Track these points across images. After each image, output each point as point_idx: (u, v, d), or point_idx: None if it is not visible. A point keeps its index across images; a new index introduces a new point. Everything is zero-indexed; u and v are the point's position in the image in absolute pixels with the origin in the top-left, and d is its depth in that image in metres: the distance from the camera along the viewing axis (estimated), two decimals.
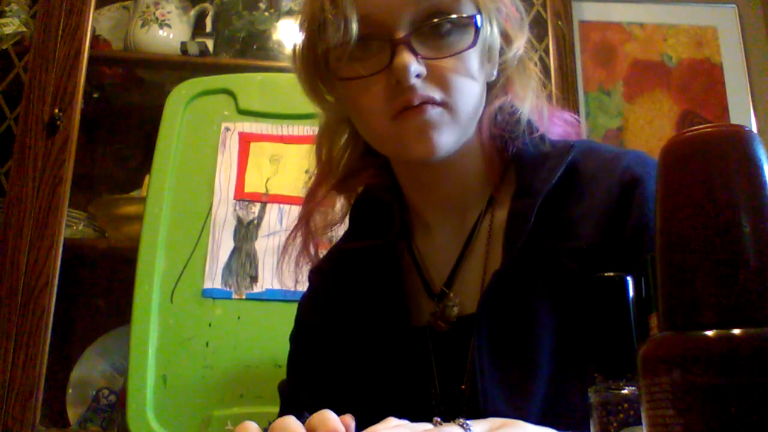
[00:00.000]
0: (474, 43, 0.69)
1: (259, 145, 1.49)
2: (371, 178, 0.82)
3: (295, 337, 0.89)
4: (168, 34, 1.83)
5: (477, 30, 0.69)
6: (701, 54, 2.11)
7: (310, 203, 0.83)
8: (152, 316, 1.33)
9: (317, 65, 0.73)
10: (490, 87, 0.76)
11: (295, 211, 1.44)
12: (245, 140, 1.49)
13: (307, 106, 1.53)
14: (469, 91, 0.70)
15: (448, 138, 0.69)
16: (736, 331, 0.28)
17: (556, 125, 0.81)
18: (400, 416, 0.54)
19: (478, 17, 0.69)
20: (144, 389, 1.29)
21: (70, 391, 1.65)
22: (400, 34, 0.67)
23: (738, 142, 0.30)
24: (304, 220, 0.84)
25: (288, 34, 1.90)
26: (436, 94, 0.68)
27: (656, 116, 2.04)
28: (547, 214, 0.71)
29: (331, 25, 0.67)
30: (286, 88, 1.57)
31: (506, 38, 0.75)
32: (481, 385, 0.67)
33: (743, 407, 0.27)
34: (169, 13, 1.84)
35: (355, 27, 0.66)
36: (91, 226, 1.75)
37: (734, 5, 2.14)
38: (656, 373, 0.29)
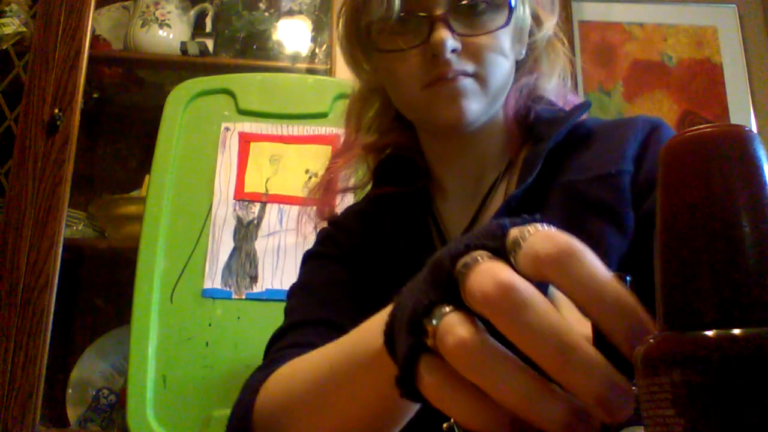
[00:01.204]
0: (507, 23, 0.74)
1: (259, 145, 1.49)
2: (398, 141, 0.86)
3: (303, 270, 0.87)
4: (168, 34, 1.83)
5: (510, 10, 0.74)
6: (701, 54, 2.11)
7: (337, 161, 0.89)
8: (152, 316, 1.33)
9: (359, 36, 0.79)
10: (519, 65, 0.81)
11: (295, 211, 1.45)
12: (245, 140, 1.49)
13: (307, 106, 1.54)
14: (500, 67, 0.74)
15: (477, 106, 0.73)
16: (736, 331, 0.28)
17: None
18: None
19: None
20: (144, 389, 1.29)
21: (70, 391, 1.65)
22: (439, 11, 0.72)
23: (738, 142, 0.30)
24: (328, 176, 0.89)
25: (288, 34, 1.90)
26: (469, 68, 0.72)
27: (656, 116, 2.04)
28: (561, 160, 0.74)
29: (371, 4, 0.73)
30: (286, 88, 1.57)
31: (536, 20, 0.80)
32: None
33: (743, 407, 0.27)
34: (169, 13, 1.84)
35: (398, 3, 0.72)
36: (91, 226, 1.76)
37: (734, 5, 2.14)
38: (656, 373, 0.29)
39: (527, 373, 0.33)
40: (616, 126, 0.79)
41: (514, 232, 0.36)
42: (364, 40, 0.78)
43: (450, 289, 0.36)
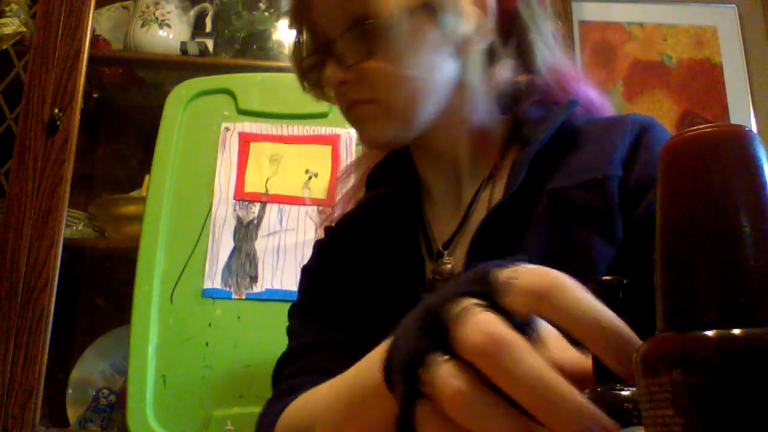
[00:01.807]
0: (384, 46, 0.71)
1: (259, 145, 1.49)
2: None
3: (302, 287, 0.89)
4: (168, 34, 1.83)
5: (386, 33, 0.70)
6: (701, 54, 2.11)
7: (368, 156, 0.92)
8: (152, 316, 1.33)
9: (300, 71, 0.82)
10: (494, 50, 0.76)
11: (295, 211, 1.45)
12: (245, 140, 1.49)
13: (307, 106, 1.54)
14: (400, 86, 0.72)
15: (383, 130, 0.74)
16: (736, 331, 0.28)
17: (582, 90, 0.82)
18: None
19: (389, 19, 0.70)
20: (144, 389, 1.29)
21: (70, 391, 1.65)
22: (330, 44, 0.74)
23: (738, 142, 0.30)
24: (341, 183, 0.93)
25: (288, 34, 1.90)
26: (363, 94, 0.73)
27: (656, 116, 2.02)
28: (548, 164, 0.73)
29: (295, 45, 0.80)
30: (286, 88, 1.57)
31: (457, 12, 0.73)
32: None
33: (743, 407, 0.27)
34: (169, 13, 1.84)
35: (305, 47, 0.78)
36: (91, 226, 1.76)
37: (734, 5, 2.14)
38: (656, 373, 0.29)
39: (518, 418, 0.36)
40: (605, 126, 0.76)
41: (502, 274, 0.39)
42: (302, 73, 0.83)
43: (442, 338, 0.39)
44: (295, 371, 0.77)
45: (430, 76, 0.73)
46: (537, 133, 0.73)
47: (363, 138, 0.77)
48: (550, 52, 0.79)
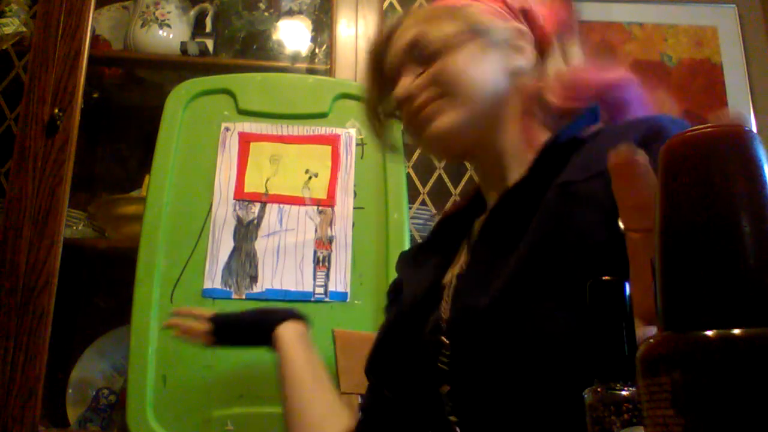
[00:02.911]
0: (448, 50, 0.83)
1: (258, 145, 1.49)
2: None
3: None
4: (168, 34, 1.83)
5: (446, 43, 0.84)
6: (701, 54, 2.11)
7: None
8: (152, 316, 1.33)
9: (374, 114, 0.96)
10: (521, 74, 0.85)
11: (295, 211, 1.45)
12: (245, 140, 1.49)
13: (307, 106, 1.54)
14: (463, 77, 0.82)
15: (449, 117, 0.81)
16: (736, 331, 0.28)
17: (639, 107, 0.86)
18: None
19: (447, 37, 0.84)
20: (144, 389, 1.29)
21: (70, 391, 1.65)
22: (397, 72, 0.86)
23: (738, 142, 0.30)
24: None
25: (288, 34, 1.90)
26: (432, 93, 0.82)
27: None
28: (566, 160, 0.76)
29: (372, 86, 0.94)
30: (286, 88, 1.57)
31: (526, 15, 0.87)
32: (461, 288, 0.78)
33: (743, 407, 0.27)
34: (168, 13, 1.84)
35: (384, 86, 0.90)
36: (91, 226, 1.76)
37: (734, 5, 2.14)
38: (656, 373, 0.29)
39: None
40: (624, 125, 0.79)
41: None
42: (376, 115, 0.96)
43: None
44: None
45: (491, 68, 0.84)
46: (563, 136, 0.79)
47: (432, 133, 0.82)
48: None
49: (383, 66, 0.90)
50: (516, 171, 0.83)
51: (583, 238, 0.69)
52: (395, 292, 0.95)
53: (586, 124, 0.80)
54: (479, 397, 0.71)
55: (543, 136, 0.82)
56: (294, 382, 0.99)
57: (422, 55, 0.85)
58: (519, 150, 0.84)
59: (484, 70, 0.84)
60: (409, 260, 0.94)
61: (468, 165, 0.93)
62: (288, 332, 1.04)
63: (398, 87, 0.85)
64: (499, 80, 0.84)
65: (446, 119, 0.82)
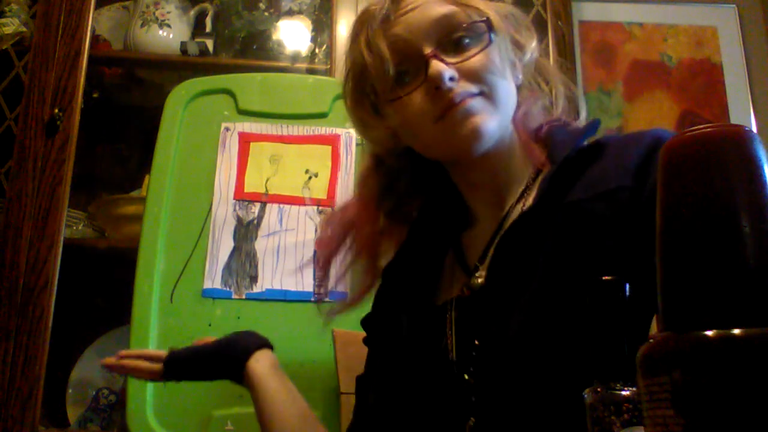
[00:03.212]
0: (490, 41, 0.79)
1: (258, 145, 1.49)
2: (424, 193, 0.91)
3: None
4: (168, 34, 1.83)
5: (490, 30, 0.79)
6: (701, 54, 2.11)
7: (357, 236, 0.91)
8: (152, 316, 1.33)
9: (366, 99, 0.84)
10: (519, 91, 0.84)
11: (295, 211, 1.45)
12: (245, 140, 1.49)
13: (307, 106, 1.54)
14: (500, 82, 0.79)
15: (490, 122, 0.77)
16: (736, 331, 0.28)
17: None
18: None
19: (487, 21, 0.79)
20: (144, 389, 1.28)
21: (70, 391, 1.65)
22: (428, 50, 0.77)
23: (738, 142, 0.30)
24: (356, 253, 0.91)
25: (288, 34, 1.90)
26: (473, 89, 0.77)
27: (656, 116, 2.04)
28: (573, 178, 0.77)
29: (372, 68, 0.79)
30: (286, 88, 1.57)
31: (517, 45, 0.84)
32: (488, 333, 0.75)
33: (743, 407, 0.27)
34: (168, 13, 1.84)
35: (391, 65, 0.78)
36: (91, 226, 1.76)
37: (734, 5, 2.14)
38: (656, 373, 0.29)
39: None
40: (627, 140, 0.80)
41: None
42: (372, 100, 0.84)
43: None
44: None
45: (511, 84, 0.82)
46: (563, 151, 0.78)
47: (469, 132, 0.76)
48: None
49: (386, 32, 0.80)
50: (515, 187, 0.83)
51: (593, 261, 0.70)
52: (373, 326, 0.92)
53: (588, 136, 0.81)
54: (508, 428, 0.71)
55: (539, 150, 0.82)
56: (281, 422, 0.94)
57: (453, 37, 0.78)
58: (519, 165, 0.83)
59: (509, 80, 0.81)
60: (393, 275, 0.89)
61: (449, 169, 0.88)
62: (261, 366, 0.96)
63: (434, 69, 0.75)
64: (514, 89, 0.82)
65: (488, 119, 0.77)
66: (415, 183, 0.90)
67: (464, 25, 0.79)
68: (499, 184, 0.84)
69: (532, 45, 0.85)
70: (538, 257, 0.73)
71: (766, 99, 2.08)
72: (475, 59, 0.77)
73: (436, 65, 0.76)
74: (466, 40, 0.78)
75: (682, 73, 2.09)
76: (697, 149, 0.31)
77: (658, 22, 2.14)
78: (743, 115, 2.03)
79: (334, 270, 0.92)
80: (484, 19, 0.79)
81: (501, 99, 0.78)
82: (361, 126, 0.88)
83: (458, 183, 0.87)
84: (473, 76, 0.77)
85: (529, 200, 0.81)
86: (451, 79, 0.76)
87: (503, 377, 0.71)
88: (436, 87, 0.76)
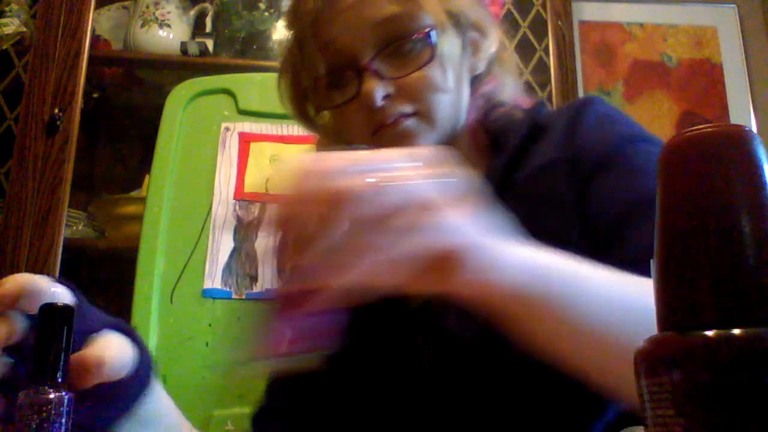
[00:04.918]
0: (431, 58, 0.74)
1: (259, 145, 1.49)
2: None
3: None
4: (168, 34, 1.83)
5: (432, 46, 0.74)
6: (701, 54, 2.11)
7: None
8: (152, 316, 1.33)
9: (304, 97, 0.82)
10: (478, 78, 0.82)
11: None
12: (245, 140, 1.49)
13: None
14: (439, 98, 0.75)
15: (423, 143, 0.73)
16: (736, 331, 0.28)
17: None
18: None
19: (433, 33, 0.74)
20: None
21: None
22: (365, 60, 0.73)
23: (738, 142, 0.30)
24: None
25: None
26: (407, 108, 0.73)
27: (656, 116, 2.04)
28: (518, 160, 0.76)
29: (303, 67, 0.77)
30: None
31: (481, 31, 0.81)
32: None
33: (743, 407, 0.27)
34: (168, 13, 1.84)
35: (322, 65, 0.74)
36: (91, 226, 1.75)
37: (734, 5, 2.14)
38: (656, 373, 0.29)
39: None
40: (558, 114, 0.80)
41: None
42: (309, 98, 0.81)
43: None
44: None
45: (460, 90, 0.78)
46: (507, 141, 0.77)
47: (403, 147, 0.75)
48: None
49: (319, 32, 0.74)
50: None
51: (549, 241, 0.69)
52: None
53: (533, 118, 0.79)
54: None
55: (485, 136, 0.81)
56: None
57: (392, 46, 0.73)
58: (465, 152, 0.80)
59: (455, 88, 0.77)
60: None
61: None
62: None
63: (366, 87, 0.72)
64: (465, 92, 0.79)
65: (421, 140, 0.73)
66: None
67: (406, 34, 0.73)
68: None
69: (494, 32, 0.82)
70: None
71: (766, 99, 2.08)
72: (413, 76, 0.73)
73: (368, 83, 0.72)
74: (408, 50, 0.73)
75: (682, 73, 2.09)
76: (697, 149, 0.31)
77: (658, 22, 2.14)
78: (743, 115, 2.04)
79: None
80: (428, 30, 0.74)
81: (439, 116, 0.74)
82: (304, 123, 0.86)
83: None
84: (410, 94, 0.73)
85: None
86: (385, 97, 0.72)
87: (456, 385, 0.70)
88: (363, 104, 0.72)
